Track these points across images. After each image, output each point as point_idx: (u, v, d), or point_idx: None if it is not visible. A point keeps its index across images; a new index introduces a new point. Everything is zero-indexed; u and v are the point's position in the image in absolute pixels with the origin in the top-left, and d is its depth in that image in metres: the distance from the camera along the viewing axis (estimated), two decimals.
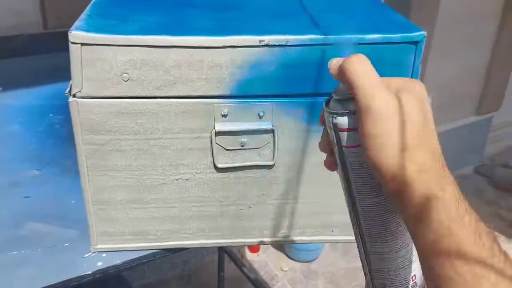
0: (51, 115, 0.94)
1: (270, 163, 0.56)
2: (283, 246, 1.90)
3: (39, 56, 1.18)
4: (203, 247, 0.63)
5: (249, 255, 1.91)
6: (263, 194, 0.59)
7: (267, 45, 0.50)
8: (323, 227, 0.61)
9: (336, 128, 0.39)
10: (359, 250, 0.42)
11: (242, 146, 0.56)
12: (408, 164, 0.35)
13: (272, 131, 0.54)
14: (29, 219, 0.66)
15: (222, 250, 1.67)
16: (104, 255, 0.60)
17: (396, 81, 0.39)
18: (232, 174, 0.58)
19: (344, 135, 0.39)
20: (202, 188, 0.58)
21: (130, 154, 0.55)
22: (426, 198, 0.35)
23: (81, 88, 0.51)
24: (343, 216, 0.60)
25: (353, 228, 0.42)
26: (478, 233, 0.34)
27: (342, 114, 0.38)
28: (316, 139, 0.55)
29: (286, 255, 1.89)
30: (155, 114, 0.53)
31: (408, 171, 0.35)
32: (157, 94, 0.52)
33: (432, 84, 2.02)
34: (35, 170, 0.77)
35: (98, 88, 0.51)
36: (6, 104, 0.98)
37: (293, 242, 0.61)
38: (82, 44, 0.49)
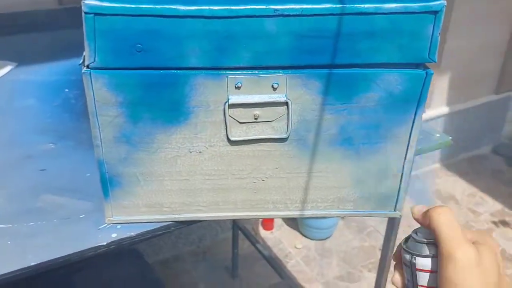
0: (67, 90, 0.95)
1: (284, 136, 0.56)
2: (297, 224, 1.91)
3: (55, 32, 1.18)
4: (217, 222, 0.63)
5: (262, 232, 1.92)
6: (277, 168, 0.58)
7: (281, 15, 0.49)
8: (336, 201, 0.61)
9: (414, 268, 0.43)
10: None
11: (255, 119, 0.55)
12: None
13: (286, 103, 0.54)
14: (44, 191, 0.67)
15: (236, 228, 1.68)
16: (118, 227, 0.61)
17: (472, 233, 0.43)
18: (245, 147, 0.57)
19: (422, 275, 0.43)
20: (215, 161, 0.58)
21: (144, 126, 0.55)
22: None
23: (95, 59, 0.50)
24: (356, 190, 0.60)
25: None
26: None
27: (424, 256, 0.43)
28: (330, 112, 0.55)
29: (300, 232, 1.90)
30: (168, 86, 0.53)
31: None
32: (170, 66, 0.52)
33: (451, 62, 1.98)
34: (51, 144, 0.77)
35: (111, 59, 0.51)
36: (22, 79, 0.99)
37: (306, 216, 0.61)
38: (95, 14, 0.48)
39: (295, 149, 0.57)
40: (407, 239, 0.45)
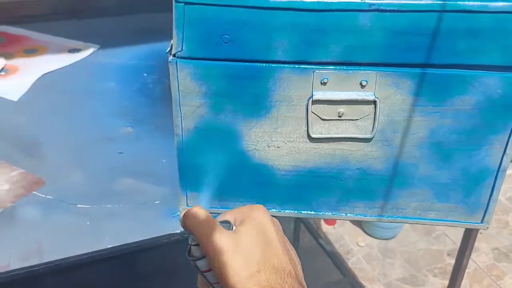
0: (145, 74, 0.96)
1: (369, 136, 0.53)
2: (361, 221, 1.87)
3: (137, 16, 1.21)
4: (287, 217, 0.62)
5: (324, 227, 1.90)
6: (358, 168, 0.56)
7: (377, 10, 0.46)
8: (418, 208, 0.58)
9: (200, 271, 0.46)
10: None
11: (339, 116, 0.53)
12: None
13: (374, 102, 0.51)
14: (122, 175, 0.69)
15: (298, 220, 1.66)
16: None
17: (239, 213, 0.47)
18: (325, 145, 0.55)
19: (208, 275, 0.46)
20: (293, 157, 0.56)
21: (225, 118, 0.54)
22: None
23: (182, 48, 0.50)
24: (442, 198, 0.57)
25: None
26: None
27: (199, 258, 0.45)
28: (421, 114, 0.52)
29: (363, 230, 1.86)
30: (252, 78, 0.52)
31: None
32: (257, 58, 0.51)
33: None
34: (129, 127, 0.79)
35: (198, 49, 0.50)
36: (103, 62, 1.02)
37: (385, 221, 0.59)
38: (186, 3, 0.48)
39: (379, 151, 0.54)
40: (190, 247, 0.47)
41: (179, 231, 0.59)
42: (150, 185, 0.66)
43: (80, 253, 0.55)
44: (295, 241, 1.68)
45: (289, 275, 0.44)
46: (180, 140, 0.56)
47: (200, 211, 0.46)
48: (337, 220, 1.89)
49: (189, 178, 0.58)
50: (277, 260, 0.45)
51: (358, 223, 1.88)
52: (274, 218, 0.48)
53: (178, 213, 0.61)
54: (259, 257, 0.43)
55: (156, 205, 0.63)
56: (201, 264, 0.45)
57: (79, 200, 0.63)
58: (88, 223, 0.59)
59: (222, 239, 0.43)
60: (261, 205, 0.48)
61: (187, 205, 0.61)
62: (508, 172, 1.90)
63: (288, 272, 0.44)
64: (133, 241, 0.57)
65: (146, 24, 1.15)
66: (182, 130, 0.55)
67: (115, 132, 0.78)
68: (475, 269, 1.70)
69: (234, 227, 0.47)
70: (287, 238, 0.48)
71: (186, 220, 0.46)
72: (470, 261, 1.73)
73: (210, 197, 0.59)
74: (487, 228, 0.58)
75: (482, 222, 0.58)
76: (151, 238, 0.58)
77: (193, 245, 0.46)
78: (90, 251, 0.56)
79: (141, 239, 0.58)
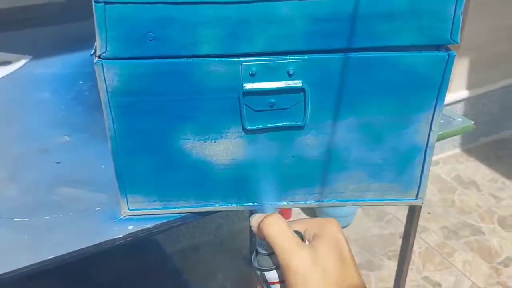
0: (81, 82, 0.94)
1: (301, 123, 0.54)
2: (315, 212, 1.89)
3: (68, 25, 1.18)
4: (234, 214, 0.62)
5: None
6: (294, 157, 0.57)
7: None
8: (356, 190, 0.59)
9: (267, 282, 0.44)
10: None
11: (271, 106, 0.54)
12: None
13: (303, 89, 0.52)
14: (60, 184, 0.67)
15: (252, 214, 1.68)
16: (135, 219, 0.60)
17: (312, 225, 0.45)
18: (261, 136, 0.56)
19: (274, 287, 0.44)
20: (231, 151, 0.57)
21: (158, 116, 0.54)
22: None
23: (106, 49, 0.49)
24: (376, 178, 0.59)
25: None
26: None
27: (269, 269, 0.43)
28: (348, 97, 0.53)
29: None
30: (181, 75, 0.52)
31: None
32: (183, 54, 0.51)
33: (470, 44, 1.93)
34: (66, 136, 0.77)
35: (123, 49, 0.50)
36: (36, 72, 0.99)
37: (325, 206, 0.60)
38: (106, 2, 0.47)
39: (312, 137, 0.55)
40: (256, 253, 0.45)
41: (121, 235, 0.58)
42: (90, 192, 0.64)
43: (19, 267, 0.53)
44: (251, 238, 1.68)
45: None
46: (114, 143, 0.55)
47: (280, 221, 0.44)
48: (292, 213, 1.91)
49: (127, 181, 0.58)
50: (352, 280, 0.43)
51: (312, 214, 1.90)
52: (343, 233, 0.47)
53: (121, 217, 0.60)
54: (336, 275, 0.42)
55: (97, 212, 0.61)
56: (271, 275, 0.44)
57: (15, 213, 0.61)
58: (26, 236, 0.57)
59: (302, 256, 0.42)
60: (334, 219, 0.47)
61: (128, 209, 0.60)
62: (452, 152, 1.97)
63: None
64: (74, 250, 0.56)
65: (79, 32, 1.12)
66: (115, 133, 0.54)
67: (51, 143, 0.75)
68: (426, 248, 1.77)
69: (305, 240, 0.45)
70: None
71: (264, 228, 0.43)
72: (421, 241, 1.79)
73: (150, 198, 0.59)
74: (422, 203, 0.61)
75: (416, 198, 0.60)
76: (94, 245, 0.57)
77: (263, 254, 0.44)
78: (29, 264, 0.54)
79: (83, 247, 0.56)
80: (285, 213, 1.91)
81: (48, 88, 0.93)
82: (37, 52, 1.05)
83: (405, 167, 0.58)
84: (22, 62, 1.02)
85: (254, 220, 0.46)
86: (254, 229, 0.45)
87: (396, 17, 0.49)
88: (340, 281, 0.42)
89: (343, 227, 1.85)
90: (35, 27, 1.17)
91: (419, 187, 0.59)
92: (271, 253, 0.43)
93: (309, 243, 0.45)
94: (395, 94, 0.53)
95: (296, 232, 0.45)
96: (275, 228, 0.43)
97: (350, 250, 0.45)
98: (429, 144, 0.56)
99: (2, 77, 0.97)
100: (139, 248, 1.21)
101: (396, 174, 0.58)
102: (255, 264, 0.44)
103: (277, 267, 0.43)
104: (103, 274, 1.11)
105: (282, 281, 0.43)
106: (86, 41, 1.05)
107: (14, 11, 1.18)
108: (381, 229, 1.85)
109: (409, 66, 0.51)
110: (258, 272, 0.44)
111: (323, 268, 0.42)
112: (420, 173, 0.58)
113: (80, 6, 1.21)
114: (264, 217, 0.44)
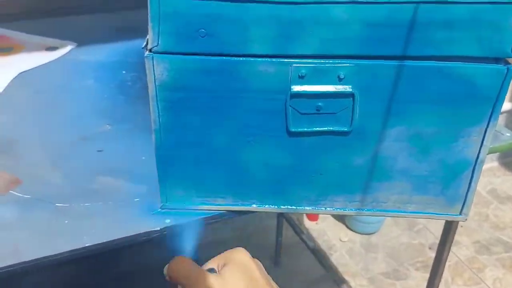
0: (124, 72, 0.95)
1: (347, 129, 0.53)
2: (344, 216, 1.87)
3: (113, 14, 1.19)
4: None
5: (307, 222, 1.90)
6: (337, 162, 0.56)
7: (353, 2, 0.46)
8: (398, 201, 0.58)
9: None
10: None
11: (318, 110, 0.53)
12: None
13: (352, 95, 0.51)
14: (101, 173, 0.67)
15: (281, 216, 1.66)
16: (172, 213, 0.60)
17: (221, 259, 0.47)
18: (305, 139, 0.55)
19: None
20: (273, 152, 0.56)
21: (203, 113, 0.53)
22: None
23: (158, 43, 0.49)
24: (421, 190, 0.57)
25: None
26: None
27: None
28: (399, 106, 0.52)
29: (346, 225, 1.86)
30: (230, 73, 0.51)
31: None
32: (233, 52, 0.50)
33: None
34: (108, 125, 0.78)
35: (175, 43, 0.50)
36: (81, 60, 1.00)
37: (365, 214, 0.59)
38: None
39: (358, 144, 0.54)
40: None
41: (158, 228, 0.58)
42: (129, 183, 0.65)
43: (58, 252, 0.54)
44: (277, 237, 1.68)
45: None
46: (158, 136, 0.55)
47: (185, 260, 0.47)
48: (319, 216, 1.90)
49: (167, 174, 0.58)
50: None
51: (340, 218, 1.89)
52: (255, 258, 0.48)
53: (159, 210, 0.61)
54: None
55: (135, 203, 0.62)
56: None
57: (57, 199, 0.62)
58: (66, 221, 0.58)
59: (210, 282, 0.43)
60: (241, 248, 0.49)
61: (166, 203, 0.60)
62: (488, 165, 1.92)
63: None
64: (112, 239, 0.56)
65: (124, 21, 1.13)
66: (159, 126, 0.54)
67: (93, 130, 0.76)
68: (456, 262, 1.73)
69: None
70: (270, 276, 0.48)
71: (171, 271, 0.46)
72: (451, 254, 1.75)
73: (189, 193, 0.59)
74: (466, 220, 0.59)
75: (460, 214, 0.59)
76: (130, 236, 0.57)
77: None
78: (68, 249, 0.55)
79: (120, 237, 0.57)
80: (312, 215, 1.89)
81: (92, 75, 0.94)
82: (82, 39, 1.06)
83: (451, 181, 0.56)
84: (68, 48, 1.04)
85: (165, 269, 0.47)
86: (167, 277, 0.47)
87: (455, 27, 0.47)
88: None
89: (370, 234, 1.82)
90: (81, 14, 1.18)
91: (464, 202, 0.57)
92: None
93: None
94: (449, 105, 0.51)
95: (210, 269, 0.47)
96: (179, 269, 0.45)
97: (262, 271, 0.47)
98: (479, 159, 0.54)
99: (48, 62, 0.98)
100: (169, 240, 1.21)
101: (442, 188, 0.56)
102: None
103: None
104: (131, 264, 1.12)
105: None
106: (131, 31, 1.06)
107: None
108: (409, 238, 1.82)
109: (465, 78, 0.50)
110: None
111: None
112: (466, 189, 0.56)
113: None
114: (169, 263, 0.46)
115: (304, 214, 1.92)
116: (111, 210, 0.61)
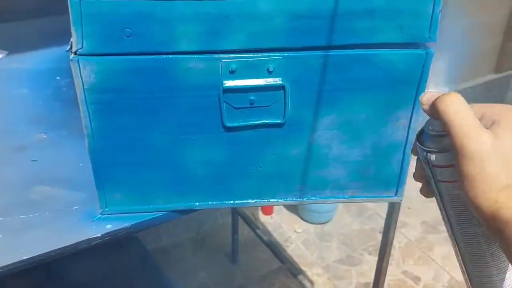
0: (58, 78, 0.92)
1: (281, 121, 0.54)
2: (297, 208, 1.90)
3: (44, 19, 1.15)
4: (216, 210, 0.61)
5: (262, 217, 1.92)
6: (274, 154, 0.57)
7: None
8: (335, 187, 0.59)
9: (431, 165, 0.39)
10: (461, 270, 0.42)
11: (251, 104, 0.53)
12: (509, 203, 0.35)
13: (283, 87, 0.52)
14: (37, 183, 0.65)
15: (235, 213, 1.67)
16: (113, 218, 0.59)
17: (492, 110, 0.39)
18: (241, 134, 0.56)
19: (440, 171, 0.39)
20: (210, 148, 0.56)
21: (136, 114, 0.53)
22: None
23: (82, 45, 0.48)
24: (356, 175, 0.59)
25: (454, 251, 0.42)
26: None
27: (438, 152, 0.38)
28: (329, 95, 0.53)
29: (300, 217, 1.89)
30: (159, 71, 0.51)
31: (509, 211, 0.35)
32: (161, 50, 0.50)
33: (449, 41, 1.95)
34: (43, 134, 0.76)
35: (100, 45, 0.49)
36: (13, 68, 0.97)
37: (305, 203, 0.60)
38: None
39: (292, 135, 0.55)
40: (421, 132, 0.40)
41: (99, 235, 0.57)
42: (67, 191, 0.63)
43: None
44: (233, 234, 1.68)
45: None
46: (91, 141, 0.54)
47: (461, 100, 0.38)
48: (273, 209, 1.92)
49: (104, 179, 0.57)
50: None
51: (294, 210, 1.91)
52: None
53: (99, 216, 0.59)
54: None
55: (75, 211, 0.60)
56: (438, 158, 0.38)
57: None
58: (0, 236, 0.56)
59: (484, 141, 0.36)
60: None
61: (106, 208, 0.59)
62: None
63: None
64: (50, 250, 0.55)
65: (56, 27, 1.10)
66: (92, 130, 0.53)
67: (28, 140, 0.74)
68: (406, 243, 1.79)
69: None
70: None
71: (442, 104, 0.37)
72: (401, 236, 1.81)
73: (129, 196, 0.58)
74: (401, 200, 0.61)
75: (396, 195, 0.61)
76: (70, 245, 0.56)
77: (434, 135, 0.38)
78: (4, 264, 0.53)
79: (60, 247, 0.55)
80: (266, 209, 1.91)
81: (25, 84, 0.91)
82: (14, 47, 1.02)
83: (384, 164, 0.58)
84: None
85: (427, 96, 0.40)
86: (425, 106, 0.39)
87: (375, 15, 0.49)
88: None
89: (324, 223, 1.86)
90: (10, 21, 1.14)
91: (398, 184, 0.59)
92: (442, 135, 0.38)
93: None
94: (375, 91, 0.53)
95: None
96: (455, 106, 0.37)
97: None
98: (409, 141, 0.56)
99: None
100: (120, 246, 1.19)
101: (376, 172, 0.58)
102: (421, 144, 0.39)
103: (447, 149, 0.38)
104: (83, 273, 1.09)
105: (450, 165, 0.38)
106: (63, 36, 1.03)
107: None
108: (361, 225, 1.86)
109: (388, 64, 0.51)
110: (423, 153, 0.39)
111: (506, 156, 0.36)
112: (399, 170, 0.58)
113: (56, 0, 1.19)
114: (443, 94, 0.38)
115: (259, 209, 1.93)
116: (49, 220, 0.59)
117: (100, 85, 0.51)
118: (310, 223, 1.87)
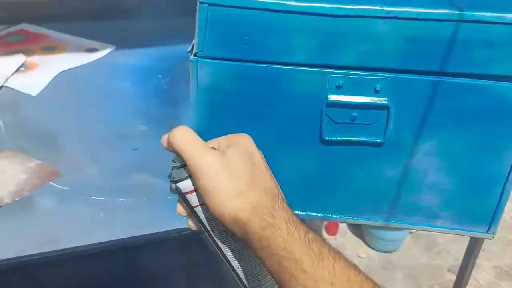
0: (160, 76, 0.98)
1: (380, 140, 0.55)
2: (362, 232, 1.87)
3: (150, 20, 1.23)
4: None
5: (326, 237, 1.90)
6: (367, 173, 0.57)
7: (395, 17, 0.48)
8: (425, 215, 0.59)
9: (182, 193, 0.45)
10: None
11: (352, 120, 0.54)
12: (244, 206, 0.41)
13: (387, 107, 0.52)
14: (135, 170, 0.70)
15: None
16: None
17: (224, 140, 0.47)
18: (337, 148, 0.57)
19: (190, 197, 0.44)
20: (305, 159, 0.58)
21: (241, 117, 0.55)
22: (262, 228, 0.40)
23: (203, 48, 0.52)
24: (450, 205, 0.58)
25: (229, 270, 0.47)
26: (308, 243, 0.39)
27: (182, 179, 0.44)
28: (433, 121, 0.53)
29: (364, 242, 1.86)
30: (269, 80, 0.53)
31: (245, 212, 0.40)
32: (274, 60, 0.52)
33: None
34: (143, 126, 0.81)
35: (219, 49, 0.52)
36: (119, 62, 1.04)
37: (391, 227, 0.60)
38: (210, 4, 0.50)
39: (389, 156, 0.56)
40: (172, 169, 0.46)
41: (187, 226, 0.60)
42: (162, 181, 0.67)
43: (94, 242, 0.56)
44: None
45: (278, 198, 0.45)
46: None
47: (188, 131, 0.45)
48: (338, 231, 1.90)
49: None
50: (266, 183, 0.45)
51: (359, 235, 1.88)
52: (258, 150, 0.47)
53: None
54: (247, 177, 0.43)
55: (169, 201, 0.64)
56: (184, 185, 0.44)
57: (93, 192, 0.64)
58: (102, 214, 0.61)
59: (210, 157, 0.42)
60: (246, 133, 0.49)
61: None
62: None
63: (276, 194, 0.45)
64: (145, 233, 0.59)
65: (159, 28, 1.17)
66: (198, 128, 0.56)
67: (129, 130, 0.79)
68: (476, 286, 1.70)
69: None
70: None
71: (173, 139, 0.44)
72: (471, 278, 1.73)
73: None
74: (492, 237, 0.59)
75: (487, 231, 0.59)
76: (162, 232, 0.60)
77: (176, 167, 0.45)
78: (103, 240, 0.57)
79: (153, 232, 0.59)
80: (331, 229, 1.89)
81: (129, 77, 0.97)
82: (122, 43, 1.10)
83: (481, 198, 0.56)
84: (107, 50, 1.07)
85: (165, 136, 0.46)
86: (165, 145, 0.46)
87: (495, 46, 0.48)
88: (251, 182, 0.43)
89: (389, 252, 1.81)
90: (122, 19, 1.22)
91: (492, 219, 0.58)
92: (183, 165, 0.44)
93: None
94: (482, 122, 0.52)
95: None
96: (183, 136, 0.44)
97: (263, 159, 0.47)
98: (510, 177, 0.55)
99: (88, 63, 1.02)
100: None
101: (471, 204, 0.57)
102: (170, 179, 0.45)
103: (189, 176, 0.43)
104: (153, 264, 1.14)
105: (195, 190, 0.44)
106: (164, 37, 1.10)
107: (104, 2, 1.24)
108: (429, 259, 1.80)
109: (501, 96, 0.51)
110: (173, 186, 0.45)
111: (233, 168, 0.42)
112: (495, 206, 0.57)
113: (167, 2, 1.26)
114: (172, 129, 0.45)
115: (323, 229, 1.92)
116: (144, 206, 0.63)
117: (213, 86, 0.54)
118: (375, 250, 1.83)
